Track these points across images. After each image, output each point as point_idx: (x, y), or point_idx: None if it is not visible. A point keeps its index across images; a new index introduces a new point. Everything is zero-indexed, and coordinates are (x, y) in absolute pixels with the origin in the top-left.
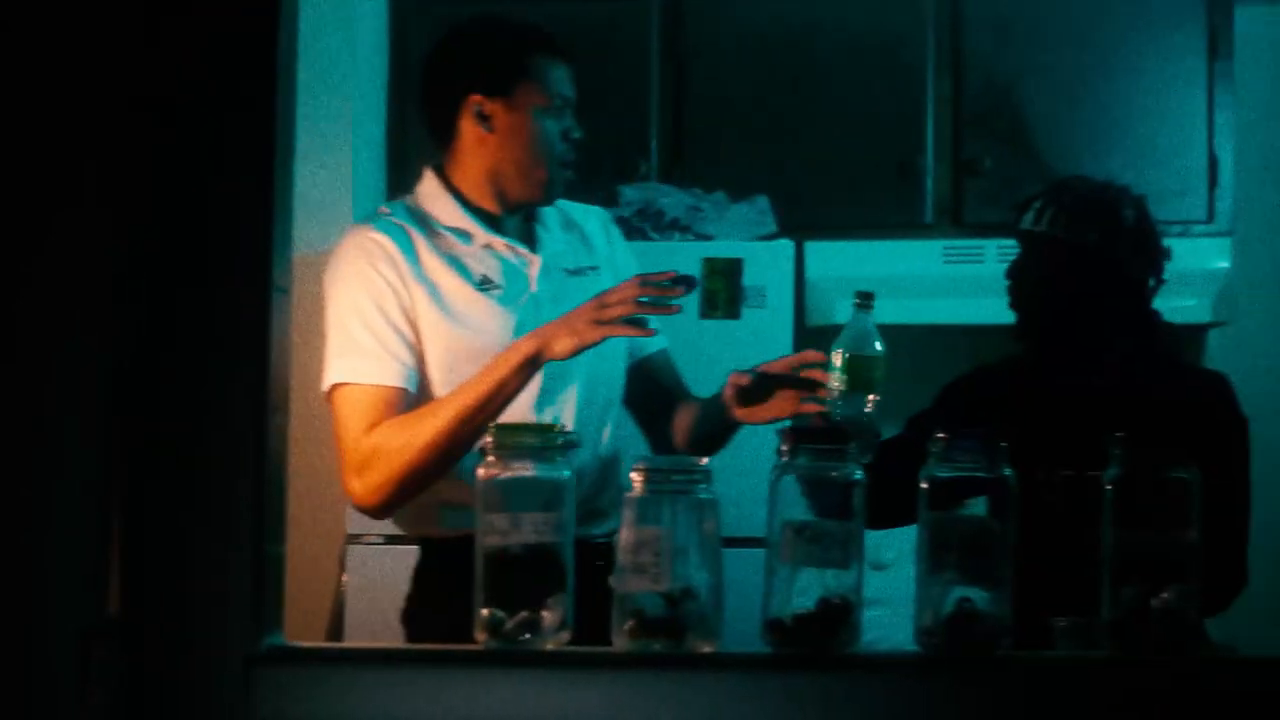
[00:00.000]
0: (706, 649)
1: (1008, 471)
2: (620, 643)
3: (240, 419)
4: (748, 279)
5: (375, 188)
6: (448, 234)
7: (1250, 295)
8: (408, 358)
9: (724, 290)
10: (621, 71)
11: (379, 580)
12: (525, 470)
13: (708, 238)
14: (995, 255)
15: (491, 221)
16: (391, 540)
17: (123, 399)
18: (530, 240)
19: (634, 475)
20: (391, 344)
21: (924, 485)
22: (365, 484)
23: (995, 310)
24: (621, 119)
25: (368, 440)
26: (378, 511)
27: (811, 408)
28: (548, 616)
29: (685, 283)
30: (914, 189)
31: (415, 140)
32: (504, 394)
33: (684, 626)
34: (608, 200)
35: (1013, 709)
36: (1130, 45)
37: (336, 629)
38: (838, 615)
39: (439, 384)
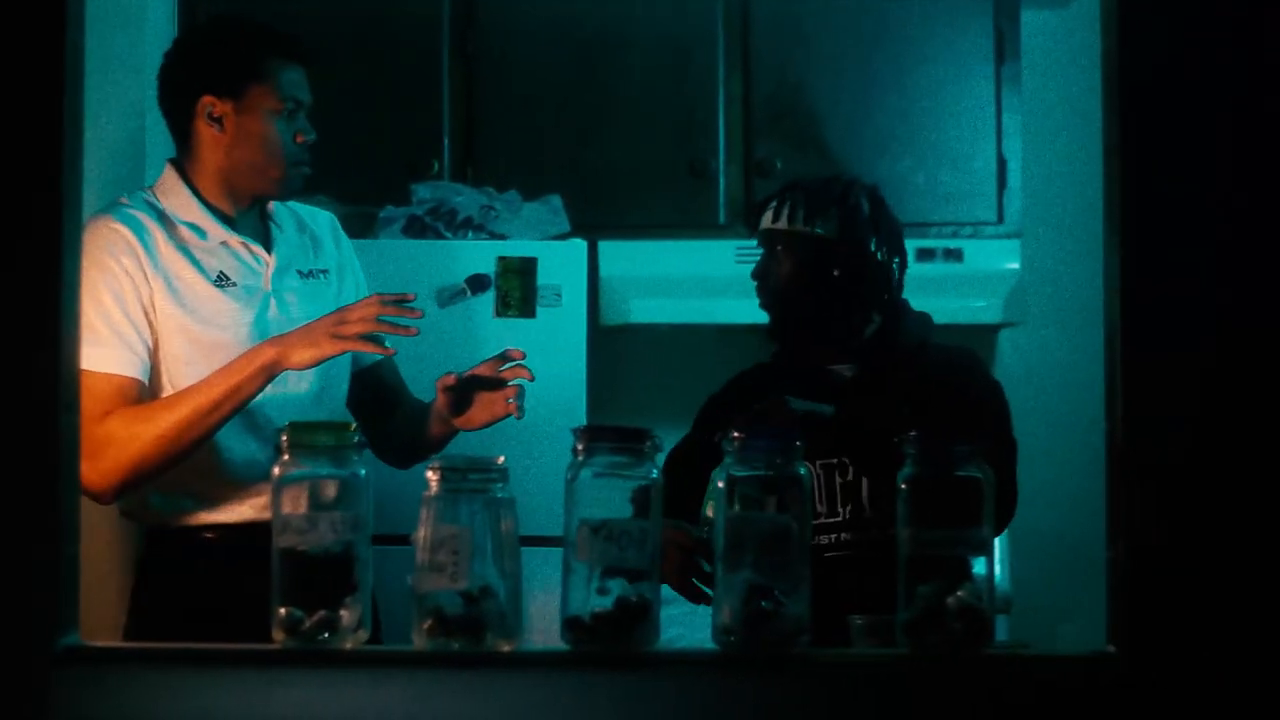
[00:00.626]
0: (506, 647)
1: (803, 470)
2: (419, 641)
3: (29, 416)
4: (542, 278)
5: None
6: (185, 228)
7: (1040, 296)
8: (141, 349)
9: (518, 289)
10: (413, 69)
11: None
12: (320, 469)
13: (502, 237)
14: None
15: (227, 219)
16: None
17: None
18: (265, 240)
19: (430, 474)
20: (127, 334)
21: (720, 484)
22: (95, 469)
23: None
24: (413, 117)
25: (100, 427)
26: (104, 497)
27: (512, 408)
28: (345, 615)
29: (478, 283)
30: (707, 189)
31: None
32: (239, 397)
33: (483, 625)
34: (401, 199)
35: (811, 706)
36: (920, 47)
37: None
38: (636, 613)
39: (174, 375)
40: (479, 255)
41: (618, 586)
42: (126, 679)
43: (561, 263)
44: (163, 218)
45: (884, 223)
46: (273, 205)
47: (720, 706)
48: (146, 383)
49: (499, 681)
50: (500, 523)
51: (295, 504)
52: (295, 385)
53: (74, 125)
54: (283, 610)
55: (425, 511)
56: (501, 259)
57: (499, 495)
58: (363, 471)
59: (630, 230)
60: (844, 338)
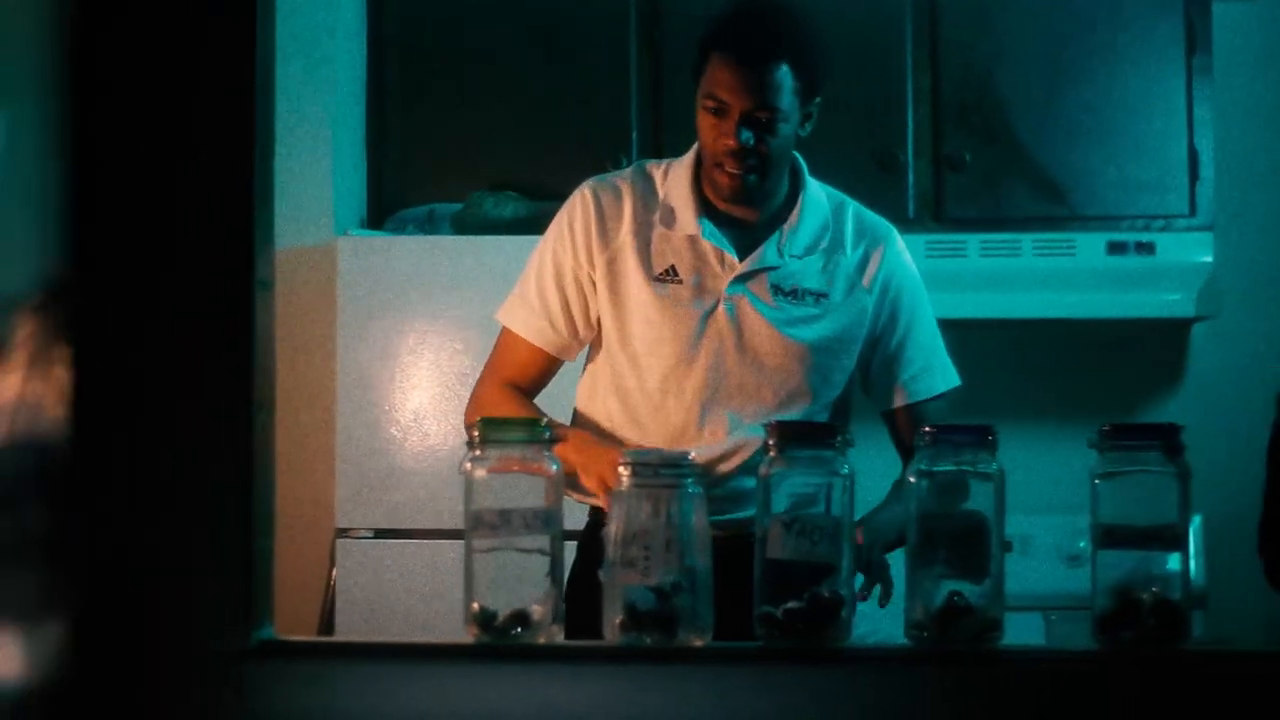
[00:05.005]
0: (697, 642)
1: (997, 465)
2: (611, 636)
3: (226, 414)
4: None
5: (356, 181)
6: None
7: (1233, 289)
8: (561, 323)
9: None
10: (601, 63)
11: (369, 573)
12: (513, 465)
13: None
14: (978, 250)
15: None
16: (381, 534)
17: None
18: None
19: (621, 470)
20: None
21: (912, 479)
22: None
23: (978, 305)
24: (601, 111)
25: (479, 384)
26: None
27: None
28: (538, 611)
29: None
30: (895, 183)
31: (395, 132)
32: None
33: (675, 620)
34: None
35: (1004, 703)
36: (1109, 38)
37: (327, 624)
38: (828, 609)
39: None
40: None
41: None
42: (320, 672)
43: None
44: None
45: None
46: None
47: (913, 703)
48: (555, 354)
49: (690, 676)
50: (692, 518)
51: (488, 500)
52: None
53: (265, 144)
54: (476, 605)
55: (617, 507)
56: None
57: (690, 490)
58: (555, 467)
59: None
60: None
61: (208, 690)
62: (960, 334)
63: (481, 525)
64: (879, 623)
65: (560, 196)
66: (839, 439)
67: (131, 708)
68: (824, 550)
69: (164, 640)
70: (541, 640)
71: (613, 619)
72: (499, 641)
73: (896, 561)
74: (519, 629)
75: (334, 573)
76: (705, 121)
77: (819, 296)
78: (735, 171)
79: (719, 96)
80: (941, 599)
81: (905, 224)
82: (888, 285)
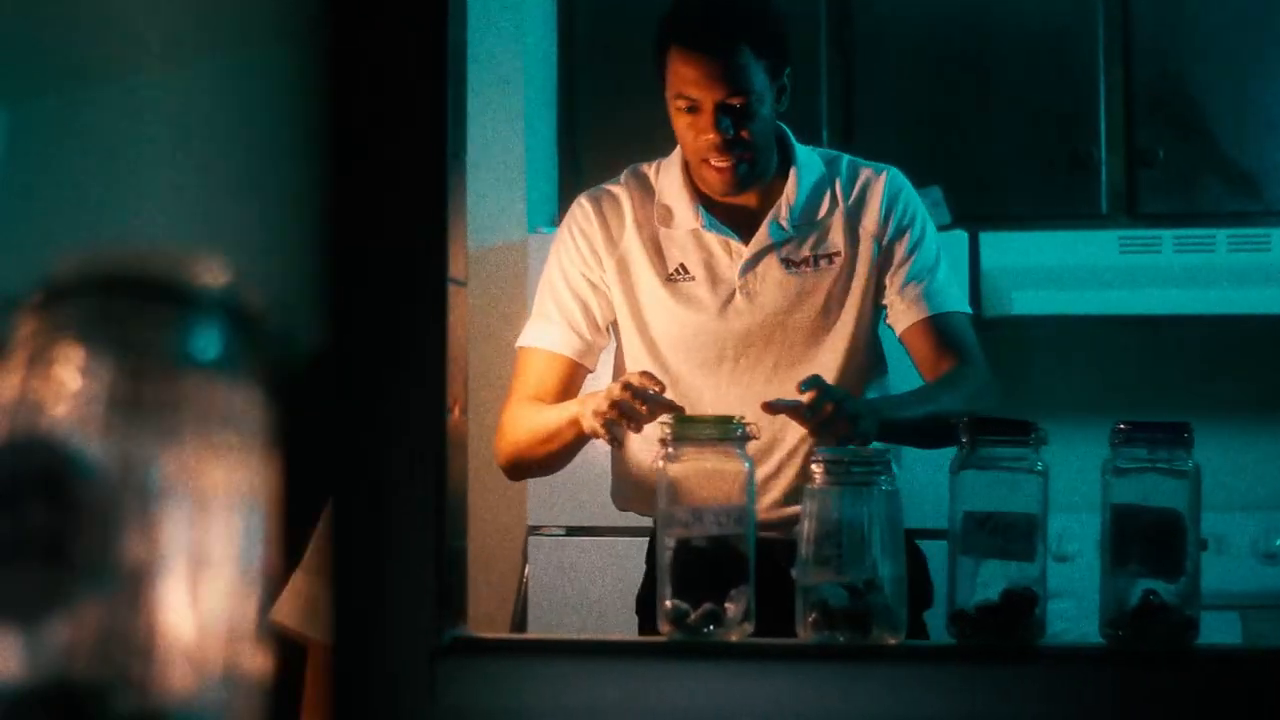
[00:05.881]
0: (890, 640)
1: (1192, 462)
2: (804, 634)
3: (419, 413)
4: None
5: (548, 179)
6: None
7: None
8: (582, 326)
9: None
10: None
11: (560, 571)
12: (705, 461)
13: None
14: (1171, 246)
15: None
16: (572, 531)
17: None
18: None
19: (814, 467)
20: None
21: (1106, 476)
22: (496, 447)
23: (1173, 300)
24: (791, 109)
25: (506, 408)
26: (506, 475)
27: None
28: (731, 608)
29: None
30: (1088, 179)
31: (586, 131)
32: (560, 440)
33: (869, 618)
34: None
35: (1200, 702)
36: None
37: (520, 620)
38: (1022, 606)
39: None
40: None
41: (1004, 579)
42: (512, 670)
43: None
44: None
45: None
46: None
47: (1108, 701)
48: (575, 358)
49: (884, 675)
50: (885, 515)
51: (680, 497)
52: None
53: (457, 142)
54: (669, 603)
55: (810, 504)
56: None
57: (884, 488)
58: (747, 464)
59: (1011, 221)
60: None
61: (403, 688)
62: (1154, 330)
63: (674, 522)
64: (1075, 622)
65: None
66: (1033, 435)
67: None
68: (1017, 548)
69: (360, 639)
70: (734, 638)
71: (806, 617)
72: (691, 639)
73: (1089, 557)
74: (711, 626)
75: (526, 570)
76: (681, 121)
77: (831, 257)
78: (724, 165)
79: (688, 94)
80: (1136, 598)
81: (1099, 220)
82: (889, 215)
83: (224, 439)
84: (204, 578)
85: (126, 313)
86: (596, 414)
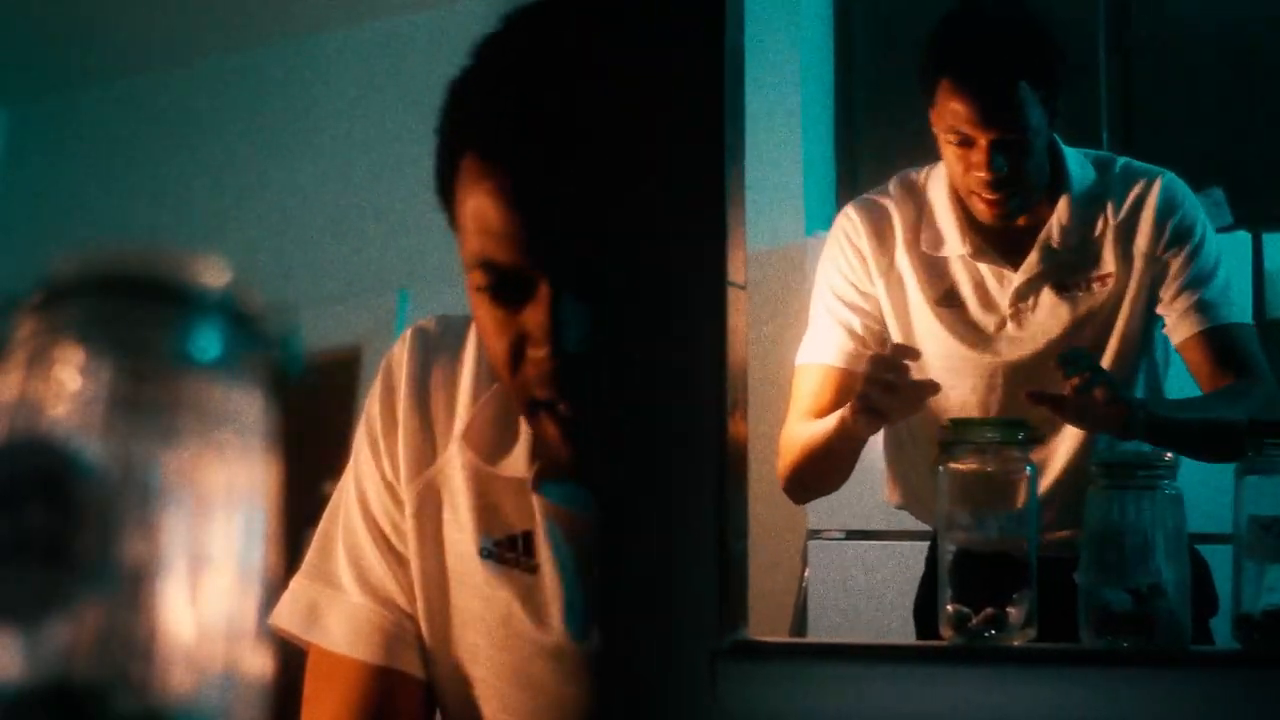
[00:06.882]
0: (1174, 646)
1: None
2: (1087, 639)
3: (700, 416)
4: None
5: (825, 180)
6: None
7: None
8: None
9: None
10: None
11: (840, 575)
12: (986, 465)
13: None
14: None
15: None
16: (852, 535)
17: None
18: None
19: (1094, 470)
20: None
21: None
22: (778, 466)
23: None
24: (1071, 112)
25: (785, 425)
26: (788, 496)
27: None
28: (1013, 613)
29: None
30: None
31: (864, 133)
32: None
33: (1152, 623)
34: None
35: None
36: None
37: (799, 623)
38: None
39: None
40: None
41: None
42: (792, 674)
43: (1225, 255)
44: None
45: None
46: None
47: None
48: (854, 369)
49: (1168, 680)
50: (1167, 519)
51: (961, 501)
52: None
53: (735, 144)
54: (950, 607)
55: (1092, 509)
56: None
57: (1167, 491)
58: (1029, 468)
59: None
60: None
61: (685, 690)
62: None
63: (954, 527)
64: None
65: None
66: None
67: (612, 707)
68: None
69: (642, 640)
70: (1016, 643)
71: (1089, 621)
72: (973, 643)
73: None
74: (993, 631)
75: (806, 574)
76: (950, 153)
77: (1104, 278)
78: (994, 198)
79: (961, 130)
80: None
81: None
82: (1162, 229)
83: (224, 439)
84: (204, 578)
85: (126, 313)
86: (853, 401)
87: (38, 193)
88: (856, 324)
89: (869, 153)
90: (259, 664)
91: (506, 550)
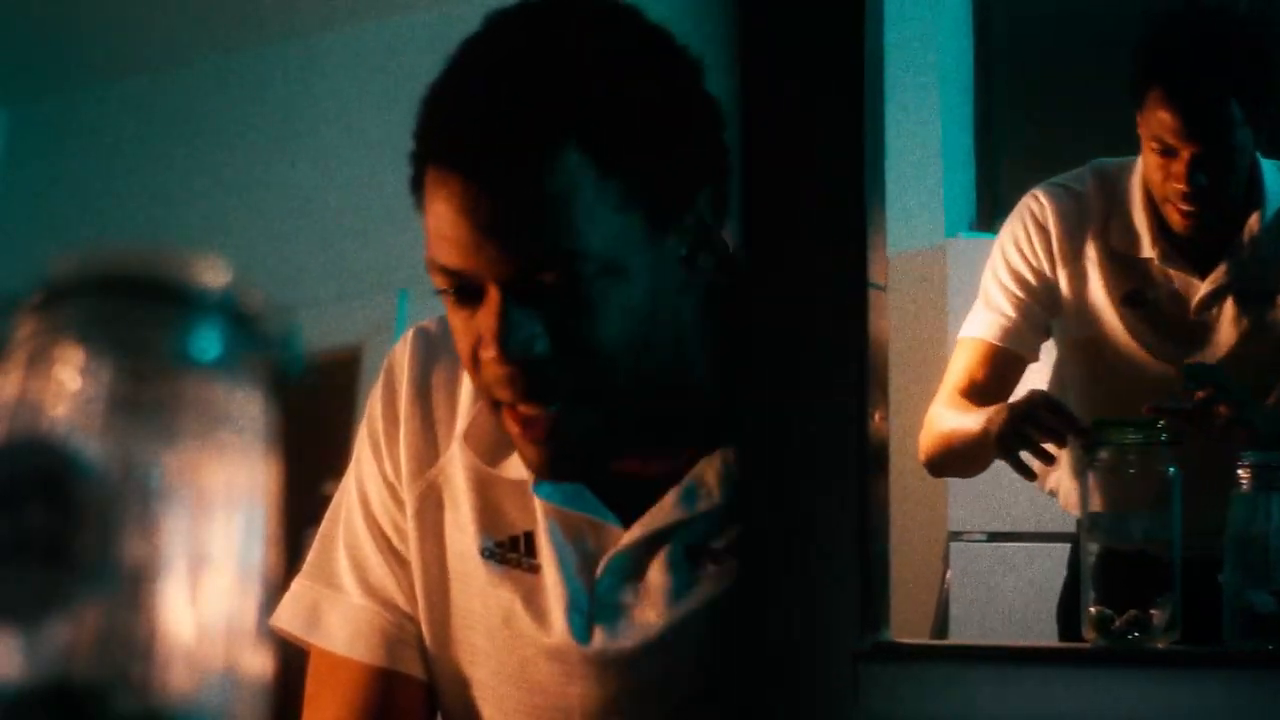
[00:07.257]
0: None
1: None
2: (1232, 642)
3: (840, 418)
4: None
5: (965, 182)
6: None
7: None
8: (1014, 314)
9: None
10: None
11: (982, 577)
12: (1130, 467)
13: None
14: None
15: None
16: (994, 537)
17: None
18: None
19: (1240, 472)
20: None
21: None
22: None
23: None
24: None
25: (933, 405)
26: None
27: None
28: (1157, 615)
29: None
30: None
31: (1002, 136)
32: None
33: None
34: None
35: None
36: None
37: (941, 626)
38: None
39: None
40: None
41: None
42: (934, 676)
43: None
44: None
45: None
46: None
47: None
48: (1011, 347)
49: None
50: None
51: (1104, 502)
52: None
53: (875, 145)
54: (1093, 609)
55: (1236, 509)
56: None
57: None
58: (1172, 470)
59: None
60: None
61: (827, 692)
62: None
63: (1097, 528)
64: None
65: None
66: None
67: (754, 707)
68: None
69: (784, 643)
70: (1160, 645)
71: (1233, 623)
72: (1116, 645)
73: None
74: (1136, 633)
75: (947, 575)
76: (1151, 160)
77: None
78: (1189, 209)
79: (1165, 140)
80: None
81: None
82: None
83: (224, 439)
84: (204, 578)
85: (126, 313)
86: (1002, 437)
87: (38, 193)
88: (1026, 305)
89: (1009, 154)
90: (259, 664)
91: (508, 551)
